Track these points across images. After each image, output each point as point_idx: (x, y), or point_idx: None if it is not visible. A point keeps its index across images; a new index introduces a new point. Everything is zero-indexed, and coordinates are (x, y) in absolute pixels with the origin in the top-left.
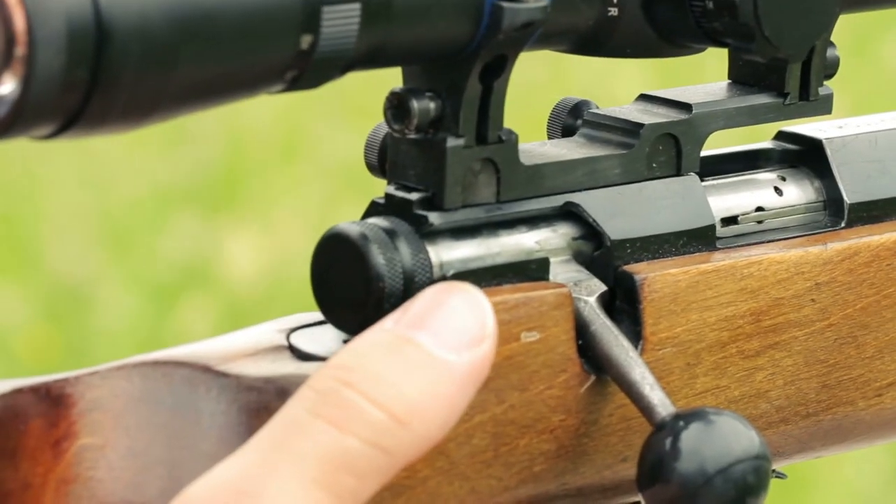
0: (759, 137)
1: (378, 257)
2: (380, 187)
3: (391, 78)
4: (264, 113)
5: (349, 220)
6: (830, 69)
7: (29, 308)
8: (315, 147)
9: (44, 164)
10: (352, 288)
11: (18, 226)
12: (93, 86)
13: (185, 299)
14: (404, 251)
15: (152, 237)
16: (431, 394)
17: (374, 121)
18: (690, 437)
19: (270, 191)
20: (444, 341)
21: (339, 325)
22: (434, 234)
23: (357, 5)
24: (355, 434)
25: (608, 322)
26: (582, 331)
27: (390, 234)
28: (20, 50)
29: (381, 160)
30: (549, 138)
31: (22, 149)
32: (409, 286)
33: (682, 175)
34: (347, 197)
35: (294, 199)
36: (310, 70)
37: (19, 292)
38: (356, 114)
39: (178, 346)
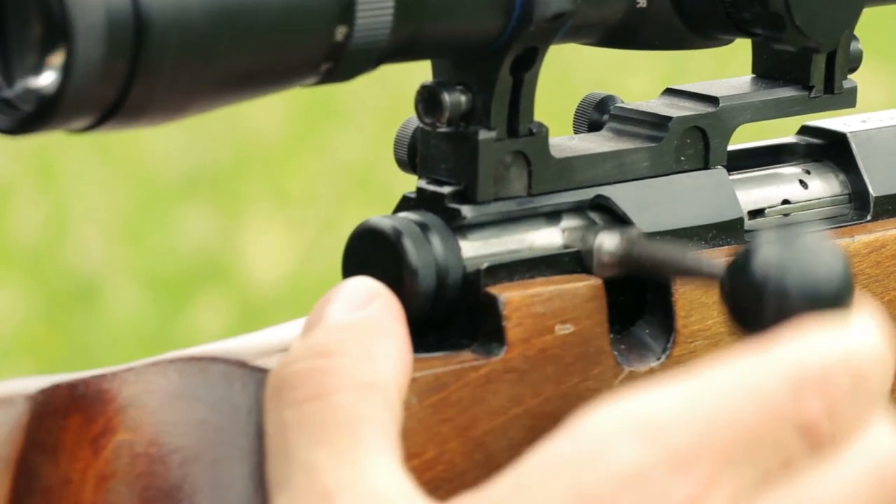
0: (780, 132)
1: (412, 252)
2: (389, 185)
3: (399, 77)
4: (273, 111)
5: (357, 218)
6: (854, 63)
7: (36, 305)
8: (324, 145)
9: (59, 160)
10: (385, 283)
11: (29, 222)
12: (132, 76)
13: (197, 295)
14: (437, 245)
15: (163, 233)
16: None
17: (381, 120)
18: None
19: (281, 188)
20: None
21: None
22: (466, 228)
23: None
24: None
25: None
26: (624, 260)
27: (423, 227)
28: (60, 40)
29: (412, 155)
30: (576, 133)
31: (36, 145)
32: (443, 281)
33: (709, 168)
34: (357, 195)
35: (305, 195)
36: (344, 62)
37: (28, 288)
38: (364, 113)
39: (187, 341)
